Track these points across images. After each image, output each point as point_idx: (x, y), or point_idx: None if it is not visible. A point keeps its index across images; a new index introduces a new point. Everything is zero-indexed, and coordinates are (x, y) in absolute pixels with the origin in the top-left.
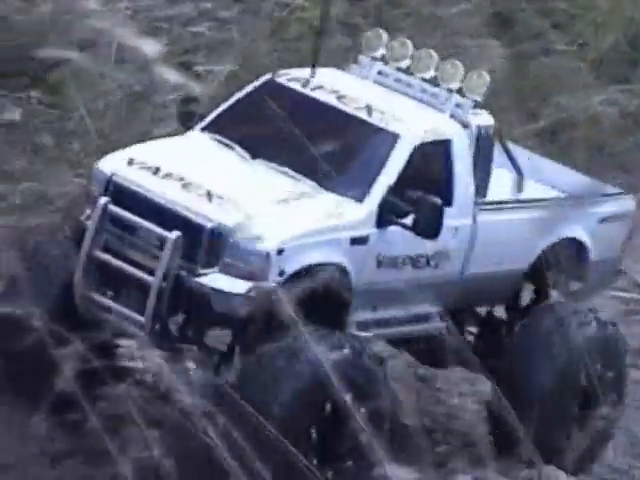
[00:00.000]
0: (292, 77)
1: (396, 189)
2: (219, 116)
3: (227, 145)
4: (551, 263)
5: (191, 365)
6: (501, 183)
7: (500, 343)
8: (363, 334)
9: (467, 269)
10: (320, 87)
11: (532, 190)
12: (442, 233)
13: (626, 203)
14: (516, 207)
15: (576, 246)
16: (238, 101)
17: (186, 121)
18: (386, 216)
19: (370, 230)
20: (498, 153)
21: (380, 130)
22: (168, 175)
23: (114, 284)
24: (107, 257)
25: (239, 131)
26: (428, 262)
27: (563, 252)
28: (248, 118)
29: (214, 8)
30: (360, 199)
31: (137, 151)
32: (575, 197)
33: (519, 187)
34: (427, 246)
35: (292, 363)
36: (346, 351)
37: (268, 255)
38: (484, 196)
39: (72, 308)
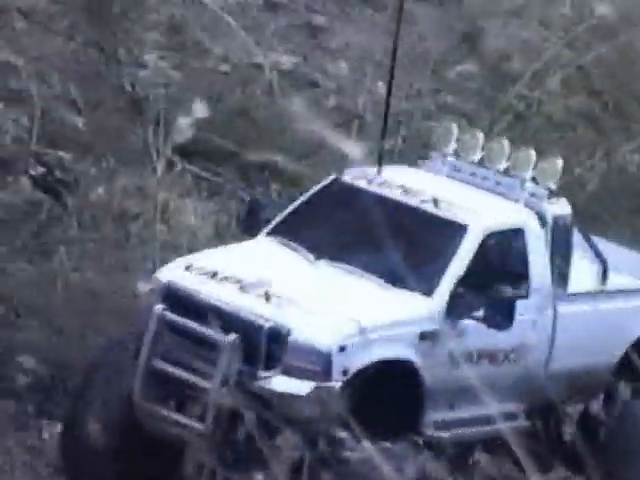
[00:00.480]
0: (357, 175)
1: (466, 281)
2: (285, 219)
3: (290, 247)
4: None
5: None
6: (584, 273)
7: (598, 441)
8: (442, 435)
9: (551, 363)
10: (386, 183)
11: (617, 280)
12: (520, 326)
13: None
14: (601, 298)
15: None
16: (304, 203)
17: (250, 227)
18: (457, 309)
19: (440, 324)
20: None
21: (447, 221)
22: (225, 278)
23: (173, 392)
24: (165, 366)
25: (304, 233)
26: (507, 357)
27: None
28: (314, 219)
29: (454, 102)
30: (428, 293)
31: (196, 258)
32: None
33: (603, 277)
34: (504, 340)
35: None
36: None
37: (329, 353)
38: (565, 287)
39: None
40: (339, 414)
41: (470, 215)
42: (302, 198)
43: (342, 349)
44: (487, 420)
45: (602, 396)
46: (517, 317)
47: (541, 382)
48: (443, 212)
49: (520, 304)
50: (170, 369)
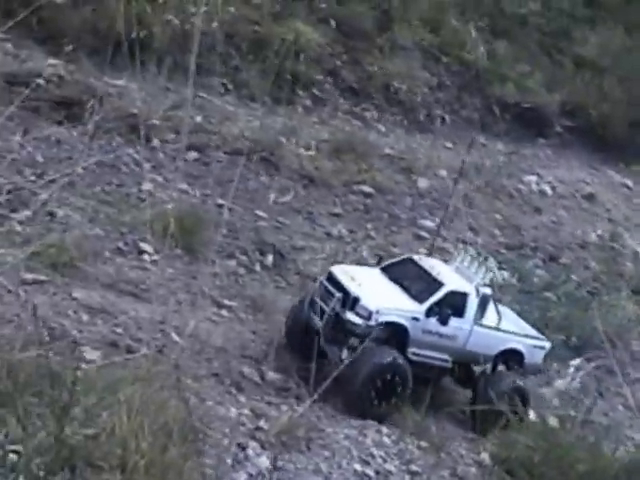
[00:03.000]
0: (415, 257)
1: (438, 302)
2: (385, 266)
3: (384, 275)
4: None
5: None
6: (491, 318)
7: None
8: (414, 358)
9: (466, 345)
10: (423, 260)
11: (503, 325)
12: (454, 326)
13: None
14: (492, 329)
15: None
16: (395, 262)
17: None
18: (430, 312)
19: (421, 316)
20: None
21: (440, 282)
22: (350, 276)
23: (318, 311)
24: (318, 300)
25: (390, 272)
26: (446, 336)
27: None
28: (396, 269)
29: None
30: (421, 303)
31: (346, 266)
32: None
33: (498, 322)
34: (446, 330)
35: (367, 360)
36: (390, 358)
37: (371, 311)
38: (480, 319)
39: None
40: (371, 336)
41: (447, 280)
42: (395, 260)
43: (377, 311)
44: (434, 358)
45: (489, 366)
46: (453, 323)
47: (461, 352)
48: (440, 278)
49: (457, 319)
50: (319, 301)
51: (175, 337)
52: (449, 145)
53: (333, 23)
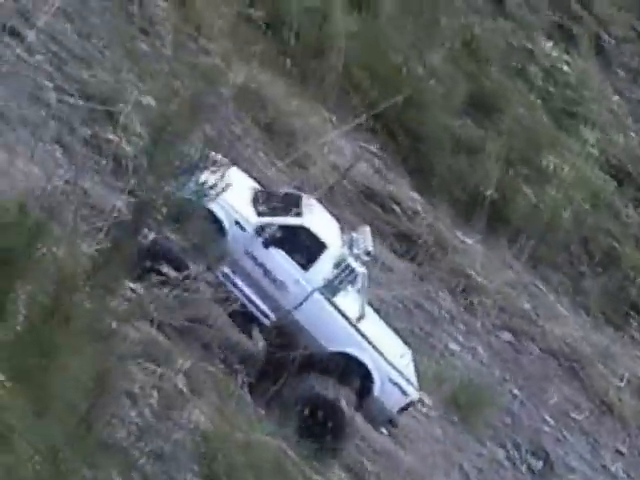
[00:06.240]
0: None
1: (281, 229)
2: (265, 190)
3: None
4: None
5: None
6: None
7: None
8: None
9: (295, 312)
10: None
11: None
12: (291, 274)
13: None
14: (342, 315)
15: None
16: (276, 192)
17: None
18: (261, 232)
19: (249, 229)
20: None
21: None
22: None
23: None
24: None
25: (263, 193)
26: (273, 278)
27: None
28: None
29: None
30: (259, 216)
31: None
32: None
33: (358, 319)
34: (276, 269)
35: None
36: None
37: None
38: (331, 294)
39: None
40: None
41: (308, 217)
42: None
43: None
44: (250, 300)
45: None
46: (289, 268)
47: (287, 315)
48: (303, 211)
49: (298, 267)
50: None
51: None
52: None
53: None
